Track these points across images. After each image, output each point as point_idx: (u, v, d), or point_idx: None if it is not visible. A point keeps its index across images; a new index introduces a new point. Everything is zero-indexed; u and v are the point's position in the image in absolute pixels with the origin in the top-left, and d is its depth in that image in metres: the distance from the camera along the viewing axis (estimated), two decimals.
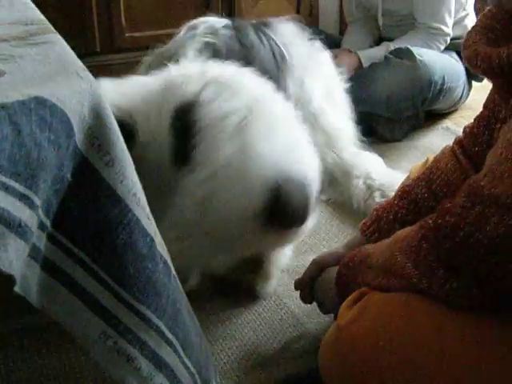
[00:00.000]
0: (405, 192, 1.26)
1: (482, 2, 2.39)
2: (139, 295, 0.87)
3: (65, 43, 0.93)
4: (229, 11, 2.83)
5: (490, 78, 1.03)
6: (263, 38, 1.93)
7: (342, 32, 2.94)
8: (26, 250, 0.73)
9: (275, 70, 1.88)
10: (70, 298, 0.82)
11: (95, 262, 0.82)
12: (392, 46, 2.39)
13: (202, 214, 1.30)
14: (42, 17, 1.05)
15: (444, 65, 2.34)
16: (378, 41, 2.55)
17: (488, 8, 1.07)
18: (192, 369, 1.00)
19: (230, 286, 1.53)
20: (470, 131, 1.23)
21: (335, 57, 2.40)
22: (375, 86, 2.29)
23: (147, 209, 0.88)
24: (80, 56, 0.89)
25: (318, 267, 1.29)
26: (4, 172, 0.69)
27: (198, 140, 1.31)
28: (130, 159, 0.86)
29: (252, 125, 1.32)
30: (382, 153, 2.18)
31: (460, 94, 2.47)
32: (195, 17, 2.01)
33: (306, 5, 3.06)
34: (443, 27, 2.39)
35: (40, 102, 0.73)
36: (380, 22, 2.50)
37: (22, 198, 0.71)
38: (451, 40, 2.41)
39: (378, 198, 1.84)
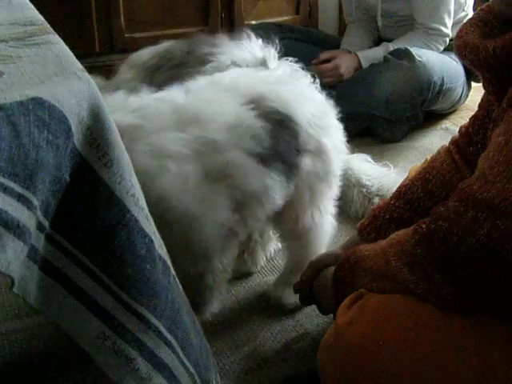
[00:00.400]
0: (401, 192, 1.26)
1: (481, 3, 2.39)
2: (138, 296, 0.86)
3: (64, 44, 0.93)
4: (229, 12, 2.83)
5: (478, 69, 1.03)
6: None
7: (341, 32, 2.95)
8: (24, 251, 0.73)
9: None
10: (68, 299, 0.82)
11: (93, 263, 0.82)
12: (391, 46, 2.39)
13: None
14: (41, 17, 1.05)
15: (443, 65, 2.34)
16: (378, 41, 2.55)
17: (486, 4, 1.07)
18: (191, 369, 1.00)
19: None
20: (465, 131, 1.23)
21: (335, 57, 2.40)
22: (374, 87, 2.29)
23: (146, 209, 0.88)
24: (79, 57, 0.89)
25: (316, 268, 1.29)
26: (2, 173, 0.68)
27: None
28: (129, 160, 0.85)
29: None
30: (382, 153, 2.18)
31: (459, 95, 2.47)
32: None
33: (305, 5, 3.06)
34: (442, 28, 2.39)
35: (38, 102, 0.73)
36: (379, 23, 2.50)
37: (21, 198, 0.70)
38: (450, 41, 2.41)
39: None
